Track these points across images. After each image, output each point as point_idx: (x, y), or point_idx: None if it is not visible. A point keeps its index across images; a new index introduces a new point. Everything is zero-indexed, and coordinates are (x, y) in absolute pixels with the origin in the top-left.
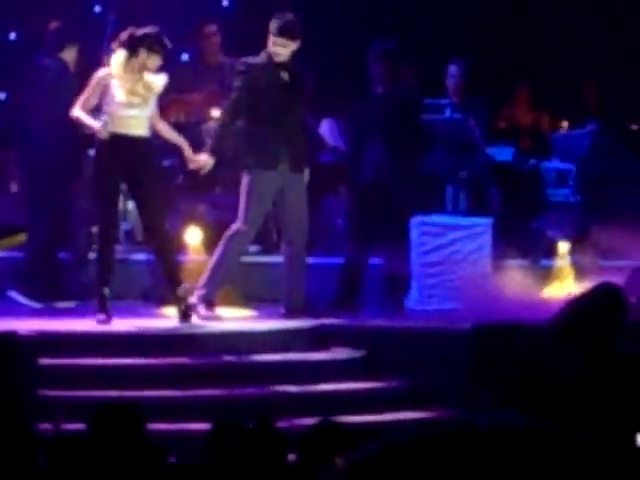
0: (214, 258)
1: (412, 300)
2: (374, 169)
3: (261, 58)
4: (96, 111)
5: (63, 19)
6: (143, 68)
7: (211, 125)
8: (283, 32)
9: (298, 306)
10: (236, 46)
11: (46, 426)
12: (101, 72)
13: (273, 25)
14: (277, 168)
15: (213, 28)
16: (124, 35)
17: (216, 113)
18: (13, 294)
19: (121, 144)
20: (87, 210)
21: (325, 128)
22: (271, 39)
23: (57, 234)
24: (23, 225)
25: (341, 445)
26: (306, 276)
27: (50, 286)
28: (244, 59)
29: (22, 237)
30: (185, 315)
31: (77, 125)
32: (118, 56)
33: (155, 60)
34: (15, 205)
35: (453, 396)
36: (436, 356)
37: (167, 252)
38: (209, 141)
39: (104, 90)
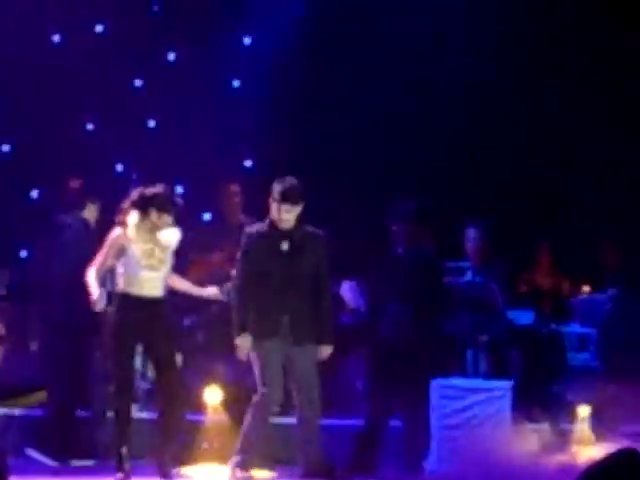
0: (244, 426)
1: (431, 462)
2: (394, 330)
3: (262, 226)
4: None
5: (85, 177)
6: (155, 228)
7: (229, 285)
8: (286, 198)
9: (316, 469)
10: (257, 206)
11: None
12: (115, 232)
13: (275, 191)
14: (277, 336)
15: (236, 188)
16: (135, 195)
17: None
18: (32, 452)
19: (135, 305)
20: (105, 368)
21: (346, 289)
22: (274, 206)
23: (76, 392)
24: (42, 383)
25: None
26: (321, 438)
27: (68, 444)
28: (248, 228)
29: (41, 395)
30: (165, 476)
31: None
32: (132, 217)
33: (166, 219)
34: (34, 363)
35: None
36: None
37: (177, 410)
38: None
39: (120, 250)
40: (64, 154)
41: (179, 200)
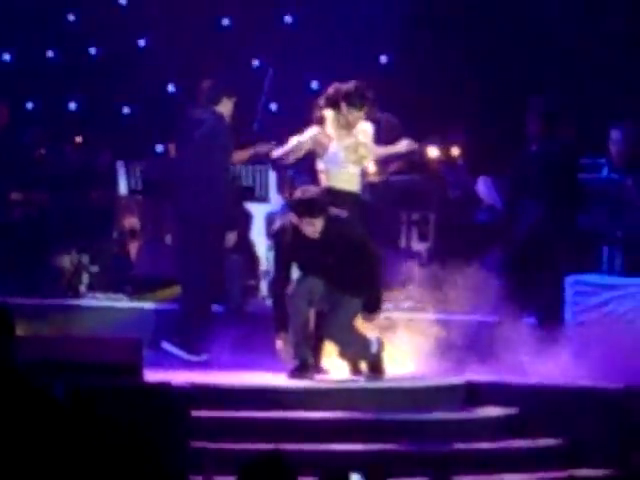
0: None
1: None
2: (529, 227)
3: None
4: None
5: (221, 73)
6: (348, 123)
7: None
8: (303, 211)
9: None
10: (393, 102)
11: (197, 478)
12: (313, 131)
13: (294, 204)
14: None
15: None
16: (330, 91)
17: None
18: (167, 346)
19: (336, 198)
20: (241, 263)
21: (482, 186)
22: (295, 217)
23: (210, 287)
24: (177, 277)
25: None
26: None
27: (204, 338)
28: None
29: (176, 289)
30: (373, 370)
31: (231, 178)
32: (327, 113)
33: (357, 114)
34: (170, 257)
35: (605, 455)
36: (588, 415)
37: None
38: None
39: (321, 148)
40: (200, 49)
41: (371, 95)
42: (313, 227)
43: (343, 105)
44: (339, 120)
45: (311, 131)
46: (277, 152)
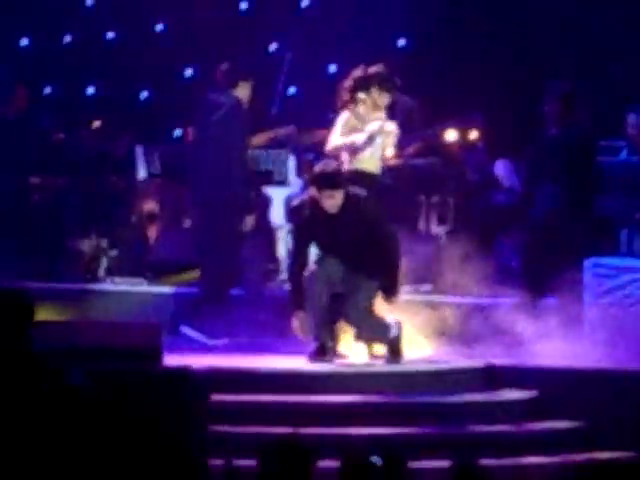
0: None
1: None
2: (548, 210)
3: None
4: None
5: (239, 57)
6: (377, 106)
7: None
8: (324, 183)
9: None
10: (411, 86)
11: (217, 462)
12: (344, 115)
13: (315, 177)
14: None
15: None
16: (357, 73)
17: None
18: (186, 329)
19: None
20: (259, 247)
21: (500, 168)
22: (314, 191)
23: (229, 271)
24: (196, 261)
25: None
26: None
27: (222, 322)
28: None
29: (195, 273)
30: (393, 353)
31: (247, 162)
32: (361, 96)
33: (385, 98)
34: (188, 241)
35: (625, 438)
36: (607, 398)
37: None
38: None
39: (352, 131)
40: (218, 33)
41: (398, 80)
42: (333, 200)
43: (375, 88)
44: (367, 103)
45: (349, 119)
46: (338, 146)
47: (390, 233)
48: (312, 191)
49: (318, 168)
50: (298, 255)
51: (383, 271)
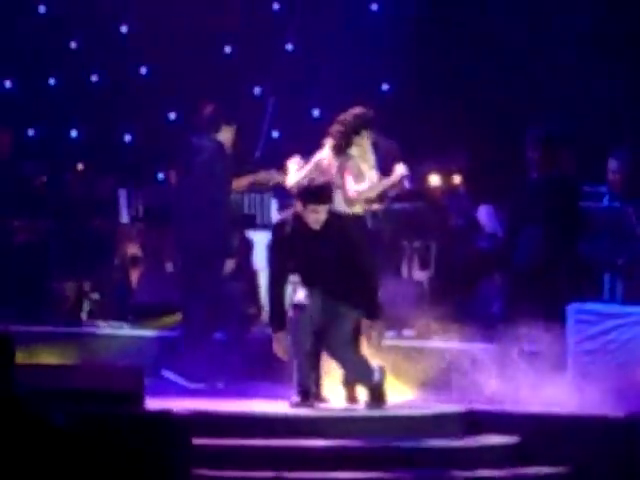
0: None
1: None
2: (530, 254)
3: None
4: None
5: (222, 100)
6: (362, 149)
7: None
8: (310, 198)
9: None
10: (395, 130)
11: None
12: (350, 162)
13: (301, 191)
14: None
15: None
16: (348, 116)
17: None
18: (168, 373)
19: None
20: (240, 290)
21: (483, 214)
22: (299, 206)
23: (211, 314)
24: (178, 304)
25: None
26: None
27: (204, 366)
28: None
29: (177, 317)
30: (375, 399)
31: (230, 206)
32: (356, 139)
33: (368, 139)
34: (170, 285)
35: None
36: (589, 444)
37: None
38: None
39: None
40: (202, 77)
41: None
42: (317, 214)
43: (364, 131)
44: (362, 144)
45: (353, 164)
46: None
47: (370, 256)
48: (297, 206)
49: (304, 183)
50: (278, 275)
51: (363, 293)
